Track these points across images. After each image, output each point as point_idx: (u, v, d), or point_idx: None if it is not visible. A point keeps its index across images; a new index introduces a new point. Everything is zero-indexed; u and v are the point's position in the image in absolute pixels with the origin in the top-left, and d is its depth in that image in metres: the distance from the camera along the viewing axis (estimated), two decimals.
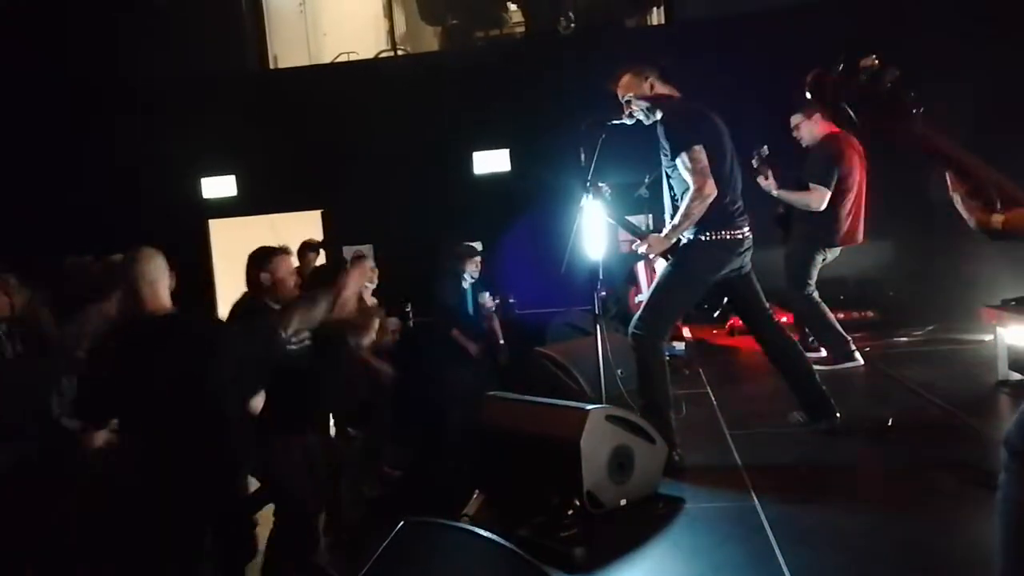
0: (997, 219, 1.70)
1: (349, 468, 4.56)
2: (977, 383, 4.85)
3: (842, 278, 7.49)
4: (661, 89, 3.94)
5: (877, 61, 1.75)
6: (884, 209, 6.57)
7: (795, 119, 5.54)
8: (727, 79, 6.83)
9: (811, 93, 1.76)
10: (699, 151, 3.71)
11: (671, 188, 3.97)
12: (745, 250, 3.98)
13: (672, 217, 3.93)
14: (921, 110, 1.72)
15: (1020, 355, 4.60)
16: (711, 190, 3.71)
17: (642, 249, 3.99)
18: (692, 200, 3.72)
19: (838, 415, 4.07)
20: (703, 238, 3.83)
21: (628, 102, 3.96)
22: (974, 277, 6.44)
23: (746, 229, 3.95)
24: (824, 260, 5.57)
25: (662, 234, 3.89)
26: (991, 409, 4.42)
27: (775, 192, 5.42)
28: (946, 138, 1.76)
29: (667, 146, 3.83)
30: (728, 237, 3.87)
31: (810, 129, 5.47)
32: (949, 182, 1.78)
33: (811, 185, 5.34)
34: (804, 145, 5.53)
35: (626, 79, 3.97)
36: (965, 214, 1.76)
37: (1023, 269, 5.81)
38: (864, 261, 7.55)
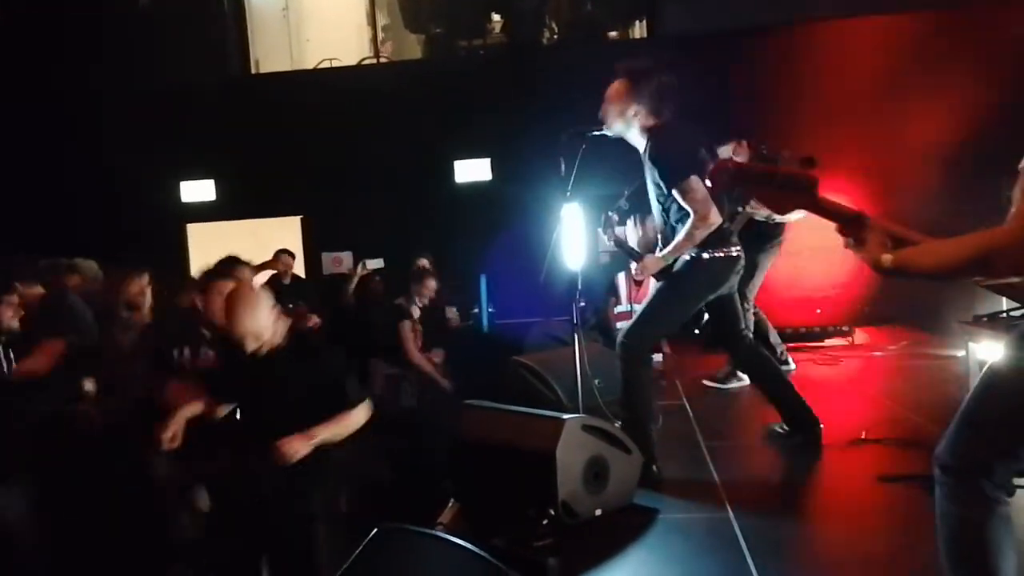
0: (886, 259, 1.80)
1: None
2: (949, 398, 4.88)
3: (818, 293, 7.58)
4: (645, 121, 3.85)
5: (765, 149, 1.91)
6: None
7: (725, 150, 5.70)
8: (708, 94, 6.89)
9: (712, 183, 1.90)
10: (695, 181, 3.67)
11: (662, 209, 3.92)
12: (740, 268, 4.00)
13: (663, 239, 3.93)
14: (815, 183, 1.83)
15: None
16: (716, 219, 3.69)
17: (637, 270, 3.99)
18: (695, 228, 3.68)
19: (821, 426, 4.10)
20: (704, 256, 3.80)
21: (606, 113, 3.91)
22: (947, 294, 6.53)
23: (739, 247, 3.97)
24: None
25: (659, 255, 3.87)
26: None
27: (767, 214, 5.47)
28: (838, 200, 1.87)
29: (661, 179, 3.80)
30: (726, 255, 3.86)
31: (743, 153, 5.60)
32: (839, 232, 1.91)
33: None
34: None
35: (617, 88, 3.87)
36: (860, 256, 1.88)
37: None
38: (840, 276, 7.65)
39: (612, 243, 4.23)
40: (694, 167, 3.72)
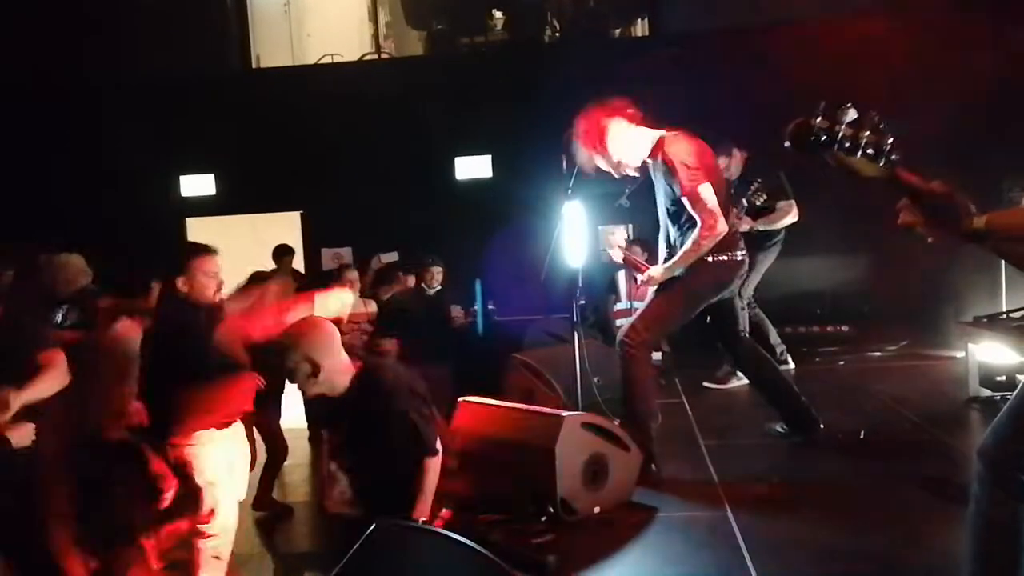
0: (980, 220, 1.71)
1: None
2: (948, 399, 4.91)
3: (818, 293, 7.57)
4: (644, 136, 3.84)
5: (852, 109, 1.77)
6: (859, 226, 6.65)
7: (721, 162, 5.68)
8: (709, 92, 6.88)
9: (791, 142, 1.77)
10: (706, 189, 3.69)
11: (667, 212, 3.91)
12: (744, 272, 4.01)
13: (668, 246, 3.93)
14: (897, 154, 1.75)
15: (991, 372, 4.66)
16: (723, 228, 3.70)
17: (643, 279, 3.99)
18: (703, 237, 3.70)
19: (822, 426, 4.09)
20: (708, 259, 3.81)
21: (619, 163, 3.88)
22: (947, 294, 6.54)
23: (744, 251, 3.97)
24: None
25: (665, 265, 3.87)
26: (961, 425, 4.47)
27: (749, 226, 5.45)
28: (917, 173, 1.78)
29: (673, 184, 3.79)
30: (731, 259, 3.87)
31: (737, 163, 5.58)
32: (907, 210, 1.79)
33: (779, 205, 5.46)
34: (733, 179, 5.62)
35: (606, 143, 3.82)
36: (940, 231, 1.76)
37: (995, 287, 5.91)
38: (840, 276, 7.64)
39: (619, 260, 4.24)
40: (707, 176, 3.72)
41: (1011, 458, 1.94)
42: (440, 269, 6.28)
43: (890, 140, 1.73)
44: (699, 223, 3.70)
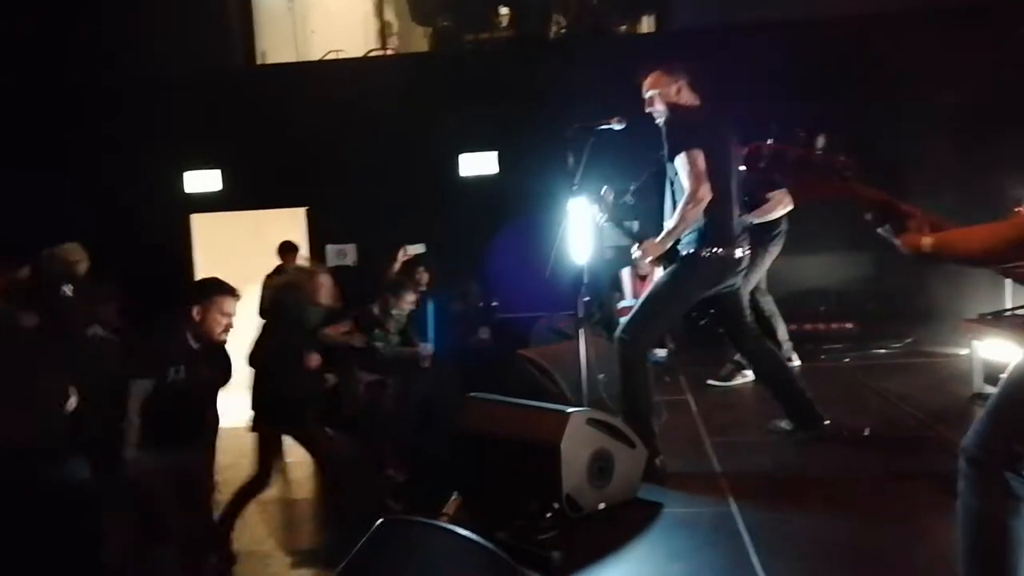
0: (926, 241, 1.77)
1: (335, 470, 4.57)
2: (953, 396, 4.90)
3: (823, 290, 7.57)
4: (687, 98, 3.91)
5: (803, 133, 1.84)
6: (864, 224, 6.62)
7: None
8: (715, 88, 6.86)
9: (746, 164, 1.84)
10: (697, 155, 3.66)
11: (673, 196, 3.89)
12: (742, 269, 3.99)
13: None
14: (850, 171, 1.80)
15: (995, 369, 4.66)
16: (706, 194, 3.65)
17: (636, 254, 3.97)
18: (687, 204, 3.67)
19: (826, 422, 4.09)
20: (704, 254, 3.78)
21: (651, 98, 3.93)
22: (952, 291, 6.53)
23: (746, 248, 3.94)
24: None
25: (657, 239, 3.85)
26: (966, 421, 4.42)
27: (749, 218, 5.44)
28: (872, 188, 1.83)
29: (666, 147, 3.79)
30: (727, 255, 3.84)
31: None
32: (872, 220, 1.85)
33: (769, 195, 5.45)
34: None
35: (656, 76, 3.93)
36: (896, 243, 1.84)
37: (999, 284, 5.89)
38: (845, 274, 7.64)
39: (607, 221, 4.20)
40: (700, 142, 3.70)
41: (992, 454, 1.96)
42: (428, 274, 6.29)
43: (841, 159, 1.79)
44: (686, 191, 3.69)
